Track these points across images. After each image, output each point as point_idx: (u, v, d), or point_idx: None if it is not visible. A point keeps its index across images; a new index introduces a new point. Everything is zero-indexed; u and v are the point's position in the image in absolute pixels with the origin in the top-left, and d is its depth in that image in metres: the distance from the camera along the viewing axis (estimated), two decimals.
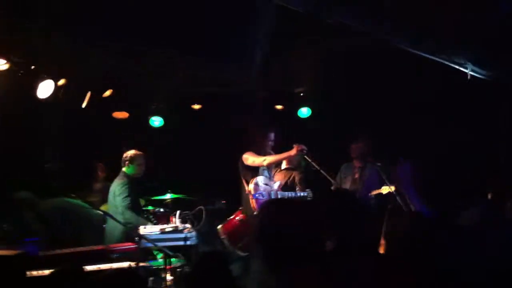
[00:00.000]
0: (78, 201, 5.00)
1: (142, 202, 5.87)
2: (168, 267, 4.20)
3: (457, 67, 5.11)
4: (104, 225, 5.20)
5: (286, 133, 5.56)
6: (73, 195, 4.85)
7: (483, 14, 4.47)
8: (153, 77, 5.96)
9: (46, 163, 6.03)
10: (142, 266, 4.09)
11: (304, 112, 6.84)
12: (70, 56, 5.24)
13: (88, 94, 5.80)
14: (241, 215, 4.85)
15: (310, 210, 2.14)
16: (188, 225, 5.04)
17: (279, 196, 5.04)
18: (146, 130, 6.78)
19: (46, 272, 3.45)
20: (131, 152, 5.27)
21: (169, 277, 4.18)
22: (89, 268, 3.68)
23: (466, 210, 2.86)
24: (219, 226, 4.86)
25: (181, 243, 4.72)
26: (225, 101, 6.49)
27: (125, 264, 3.92)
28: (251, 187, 4.95)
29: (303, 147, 4.91)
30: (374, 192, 5.25)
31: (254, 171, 5.07)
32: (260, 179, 5.01)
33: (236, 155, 5.18)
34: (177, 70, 5.86)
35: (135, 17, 4.82)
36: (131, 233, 4.44)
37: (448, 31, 4.71)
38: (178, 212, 5.21)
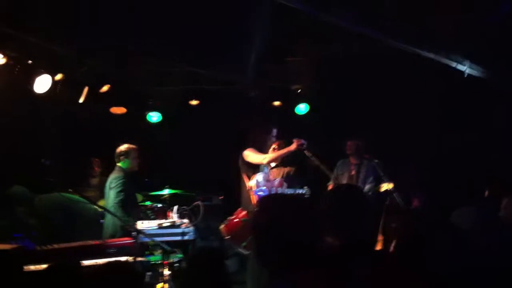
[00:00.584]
0: (75, 196, 4.99)
1: (140, 197, 5.87)
2: (165, 262, 4.20)
3: (454, 65, 5.12)
4: (101, 220, 5.19)
5: (284, 130, 5.56)
6: (70, 190, 4.82)
7: (482, 14, 4.48)
8: (152, 77, 5.97)
9: (42, 158, 6.01)
10: (140, 261, 4.09)
11: (302, 108, 6.85)
12: (68, 55, 5.23)
13: (86, 89, 5.79)
14: (243, 213, 4.80)
15: (308, 205, 2.14)
16: (185, 220, 5.06)
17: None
18: (143, 125, 6.79)
19: (44, 266, 3.44)
20: (124, 146, 5.17)
21: (166, 272, 4.19)
22: (86, 263, 3.69)
23: (464, 208, 2.87)
24: (221, 226, 4.80)
25: (179, 238, 4.73)
26: (223, 97, 6.49)
27: (122, 259, 3.92)
28: (252, 183, 4.91)
29: (303, 141, 4.87)
30: (368, 186, 5.27)
31: (256, 167, 5.01)
32: (261, 176, 4.98)
33: (234, 151, 5.16)
34: (175, 68, 5.85)
35: (135, 17, 4.80)
36: (128, 228, 4.43)
37: (447, 31, 4.72)
38: (175, 207, 5.22)
